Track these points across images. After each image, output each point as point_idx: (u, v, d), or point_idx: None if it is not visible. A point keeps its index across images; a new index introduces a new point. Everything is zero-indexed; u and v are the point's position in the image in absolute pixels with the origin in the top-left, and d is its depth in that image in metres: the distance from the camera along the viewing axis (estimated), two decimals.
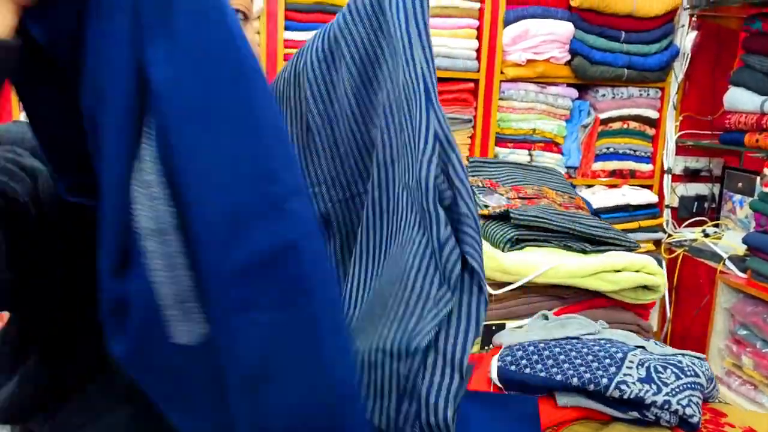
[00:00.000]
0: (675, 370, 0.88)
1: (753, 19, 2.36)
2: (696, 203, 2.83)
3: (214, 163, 0.46)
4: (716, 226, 2.74)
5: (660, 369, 0.88)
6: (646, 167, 2.79)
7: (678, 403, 0.83)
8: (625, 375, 0.87)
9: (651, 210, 2.68)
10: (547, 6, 2.53)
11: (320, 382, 0.48)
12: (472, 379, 0.98)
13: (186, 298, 0.48)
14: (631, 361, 0.89)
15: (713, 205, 2.86)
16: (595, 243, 1.34)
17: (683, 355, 0.96)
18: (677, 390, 0.86)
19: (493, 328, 1.21)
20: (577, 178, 2.70)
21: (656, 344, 1.02)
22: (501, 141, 2.61)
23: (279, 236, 0.47)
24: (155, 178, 0.46)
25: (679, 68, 2.70)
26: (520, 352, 0.95)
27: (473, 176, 1.54)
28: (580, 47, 2.52)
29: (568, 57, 2.55)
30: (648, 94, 2.72)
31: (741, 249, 2.34)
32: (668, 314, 2.60)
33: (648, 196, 2.67)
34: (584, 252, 1.30)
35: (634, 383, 0.86)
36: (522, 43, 2.50)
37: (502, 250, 1.26)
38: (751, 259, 2.22)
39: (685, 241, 2.67)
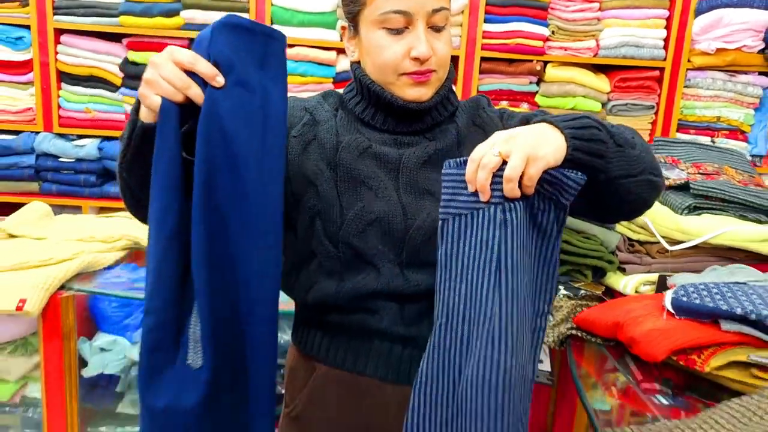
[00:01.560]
0: None
1: None
2: None
3: None
4: None
5: None
6: None
7: None
8: None
9: None
10: None
11: None
12: (647, 308, 1.22)
13: None
14: None
15: None
16: None
17: None
18: None
19: (668, 278, 1.42)
20: (762, 167, 2.71)
21: None
22: (683, 127, 2.70)
23: None
24: None
25: None
26: (692, 288, 1.16)
27: (657, 153, 1.73)
28: None
29: (762, 45, 2.57)
30: None
31: None
32: None
33: None
34: (759, 222, 1.45)
35: None
36: (713, 32, 2.57)
37: (680, 215, 1.46)
38: None
39: None
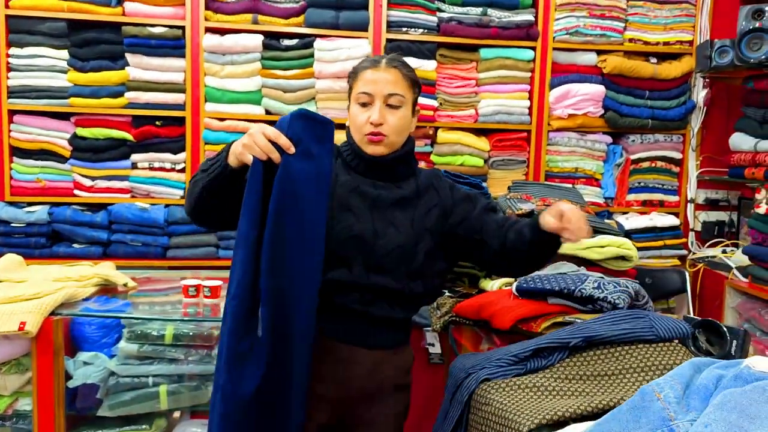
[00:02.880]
0: (614, 284, 1.58)
1: (748, 79, 3.02)
2: (717, 227, 3.42)
3: None
4: (735, 245, 3.31)
5: (605, 284, 1.59)
6: (673, 198, 3.42)
7: (612, 297, 1.53)
8: (584, 285, 1.58)
9: (675, 231, 3.30)
10: (583, 73, 3.27)
11: None
12: (500, 294, 1.72)
13: None
14: (590, 280, 1.60)
15: (733, 230, 3.44)
16: (594, 232, 2.05)
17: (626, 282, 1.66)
18: (613, 292, 1.55)
19: None
20: (613, 206, 3.37)
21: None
22: (550, 177, 3.33)
23: None
24: None
25: (696, 118, 3.35)
26: (529, 278, 1.67)
27: (515, 192, 2.29)
28: (611, 104, 3.24)
29: (602, 111, 3.27)
30: (672, 139, 3.38)
31: (747, 261, 2.93)
32: (691, 313, 3.17)
33: (671, 220, 3.29)
34: None
35: (589, 290, 1.57)
36: (564, 101, 3.25)
37: None
38: (751, 267, 2.81)
39: (706, 258, 3.25)
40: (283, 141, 1.20)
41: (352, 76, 1.46)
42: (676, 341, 1.32)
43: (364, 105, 1.42)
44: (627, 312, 1.37)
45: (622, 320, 1.34)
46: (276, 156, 1.19)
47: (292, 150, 1.20)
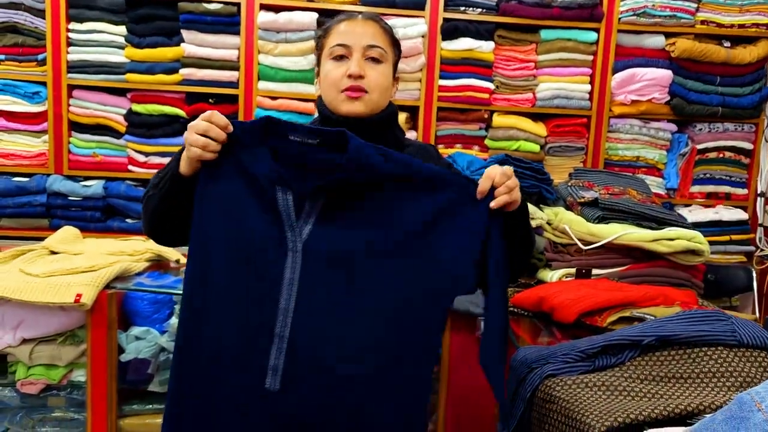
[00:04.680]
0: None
1: None
2: None
3: None
4: None
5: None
6: (741, 191, 3.24)
7: None
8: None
9: (742, 226, 3.12)
10: (650, 57, 3.11)
11: None
12: (562, 286, 1.64)
13: None
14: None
15: None
16: (661, 223, 1.94)
17: None
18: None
19: (583, 271, 1.84)
20: (675, 198, 3.21)
21: None
22: (609, 165, 3.19)
23: None
24: None
25: None
26: None
27: (576, 180, 2.18)
28: (679, 90, 3.08)
29: (668, 98, 3.11)
30: (743, 129, 3.19)
31: None
32: (756, 314, 3.01)
33: (739, 215, 3.12)
34: (651, 228, 1.89)
35: None
36: (628, 87, 3.10)
37: (592, 223, 1.89)
38: None
39: None
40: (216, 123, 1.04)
41: (323, 34, 1.28)
42: (764, 352, 1.22)
43: (339, 59, 1.23)
44: (706, 312, 1.27)
45: (701, 321, 1.25)
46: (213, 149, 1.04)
47: (230, 129, 1.04)
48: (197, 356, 1.07)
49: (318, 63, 1.30)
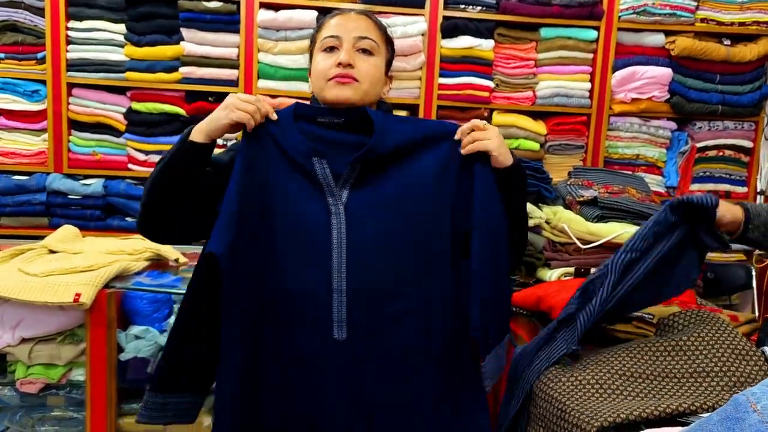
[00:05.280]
0: None
1: None
2: None
3: None
4: None
5: None
6: (741, 189, 3.24)
7: None
8: None
9: None
10: (650, 55, 3.11)
11: None
12: (561, 284, 1.64)
13: None
14: None
15: None
16: None
17: None
18: None
19: (582, 271, 1.84)
20: (675, 196, 3.20)
21: None
22: (609, 164, 3.19)
23: None
24: None
25: None
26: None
27: (575, 179, 2.18)
28: (678, 88, 3.07)
29: (668, 96, 3.10)
30: (742, 127, 3.19)
31: None
32: (756, 312, 3.01)
33: None
34: None
35: None
36: (628, 85, 3.10)
37: (591, 222, 1.89)
38: None
39: None
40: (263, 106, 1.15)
41: (316, 30, 1.29)
42: (759, 350, 1.22)
43: (330, 50, 1.23)
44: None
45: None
46: (264, 112, 1.16)
47: (274, 116, 1.16)
48: (258, 316, 1.16)
49: (311, 59, 1.29)
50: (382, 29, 1.29)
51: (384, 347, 1.17)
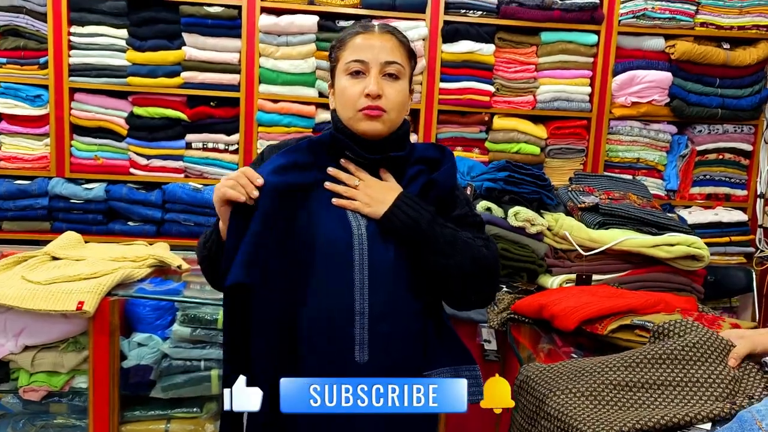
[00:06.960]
0: None
1: None
2: None
3: None
4: None
5: None
6: (740, 192, 3.24)
7: None
8: None
9: (742, 228, 3.13)
10: (650, 59, 3.11)
11: None
12: (563, 292, 1.64)
13: None
14: None
15: None
16: (661, 229, 1.94)
17: None
18: None
19: (583, 277, 1.85)
20: (675, 200, 3.21)
21: None
22: (609, 167, 3.20)
23: None
24: None
25: None
26: None
27: (576, 185, 2.19)
28: (678, 92, 3.08)
29: (668, 100, 3.11)
30: (742, 130, 3.19)
31: None
32: (756, 315, 3.02)
33: (739, 216, 3.12)
34: (650, 233, 1.90)
35: None
36: (628, 89, 3.10)
37: (592, 229, 1.90)
38: None
39: None
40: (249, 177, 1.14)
41: (337, 45, 1.24)
42: (752, 361, 1.23)
43: (356, 75, 1.20)
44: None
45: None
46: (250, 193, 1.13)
47: (259, 182, 1.13)
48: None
49: (332, 75, 1.28)
50: (406, 46, 1.26)
51: (404, 369, 1.15)
